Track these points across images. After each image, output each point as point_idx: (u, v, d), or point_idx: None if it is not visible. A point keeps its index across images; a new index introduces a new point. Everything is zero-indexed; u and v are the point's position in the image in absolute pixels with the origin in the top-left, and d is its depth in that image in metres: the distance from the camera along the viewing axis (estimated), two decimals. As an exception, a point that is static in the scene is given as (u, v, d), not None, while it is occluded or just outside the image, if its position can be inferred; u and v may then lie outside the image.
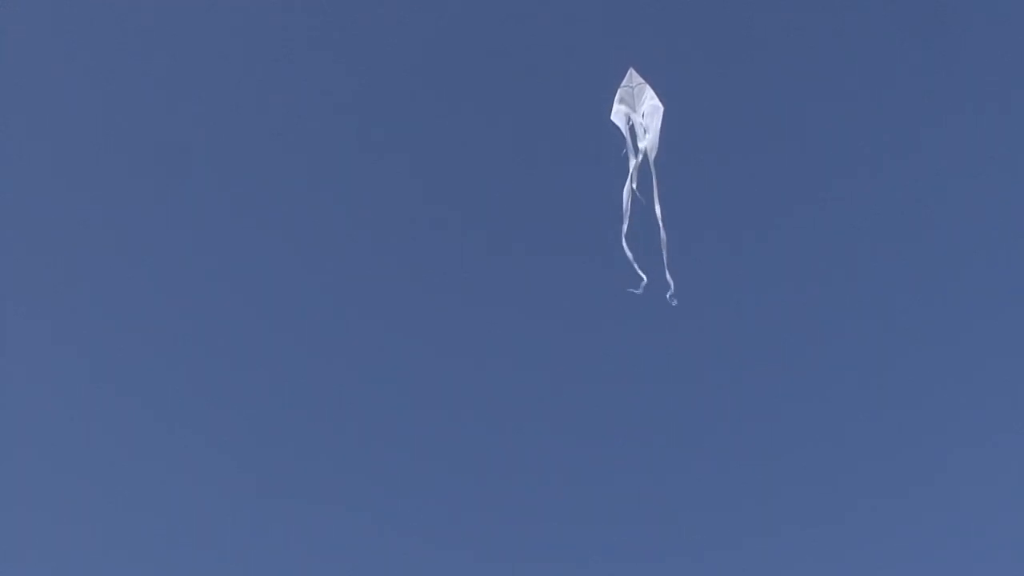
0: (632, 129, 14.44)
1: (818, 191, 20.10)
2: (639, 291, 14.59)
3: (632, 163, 14.48)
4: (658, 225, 14.39)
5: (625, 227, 14.52)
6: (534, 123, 20.40)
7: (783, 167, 20.13)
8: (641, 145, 14.45)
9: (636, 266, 14.30)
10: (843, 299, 19.98)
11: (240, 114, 21.12)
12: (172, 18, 20.72)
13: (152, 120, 20.71)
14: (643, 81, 14.34)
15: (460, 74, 20.71)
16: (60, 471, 19.53)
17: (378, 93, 20.88)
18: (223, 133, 20.95)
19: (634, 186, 14.46)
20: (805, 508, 19.35)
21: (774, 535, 19.16)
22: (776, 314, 19.80)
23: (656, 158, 14.43)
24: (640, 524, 19.11)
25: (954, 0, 20.31)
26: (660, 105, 14.22)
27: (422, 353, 20.02)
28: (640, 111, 14.36)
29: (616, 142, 14.61)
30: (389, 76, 20.81)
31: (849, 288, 20.06)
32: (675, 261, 14.64)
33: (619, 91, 14.48)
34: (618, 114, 14.50)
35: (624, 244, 14.48)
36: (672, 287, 14.40)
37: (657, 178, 14.43)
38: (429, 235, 20.38)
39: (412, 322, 19.94)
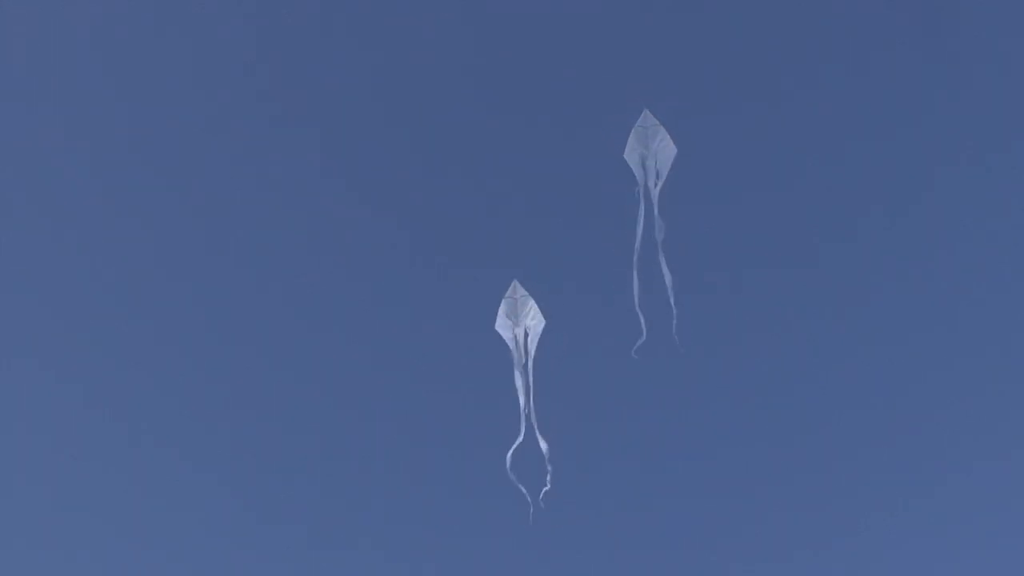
0: (644, 168, 14.63)
1: (829, 243, 19.97)
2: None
3: (643, 202, 14.67)
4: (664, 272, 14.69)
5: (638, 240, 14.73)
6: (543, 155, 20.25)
7: (791, 207, 20.06)
8: (652, 185, 14.64)
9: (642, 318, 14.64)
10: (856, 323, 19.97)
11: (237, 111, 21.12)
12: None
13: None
14: (657, 122, 14.51)
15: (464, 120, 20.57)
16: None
17: (378, 102, 20.87)
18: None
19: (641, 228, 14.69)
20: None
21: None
22: (786, 361, 19.78)
23: (662, 199, 14.64)
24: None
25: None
26: (674, 148, 14.38)
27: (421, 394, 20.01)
28: (653, 151, 14.53)
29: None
30: (390, 80, 20.82)
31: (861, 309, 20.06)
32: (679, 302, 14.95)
33: (633, 130, 14.64)
34: (631, 152, 14.67)
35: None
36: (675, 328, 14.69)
37: (662, 219, 14.65)
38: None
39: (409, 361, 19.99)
